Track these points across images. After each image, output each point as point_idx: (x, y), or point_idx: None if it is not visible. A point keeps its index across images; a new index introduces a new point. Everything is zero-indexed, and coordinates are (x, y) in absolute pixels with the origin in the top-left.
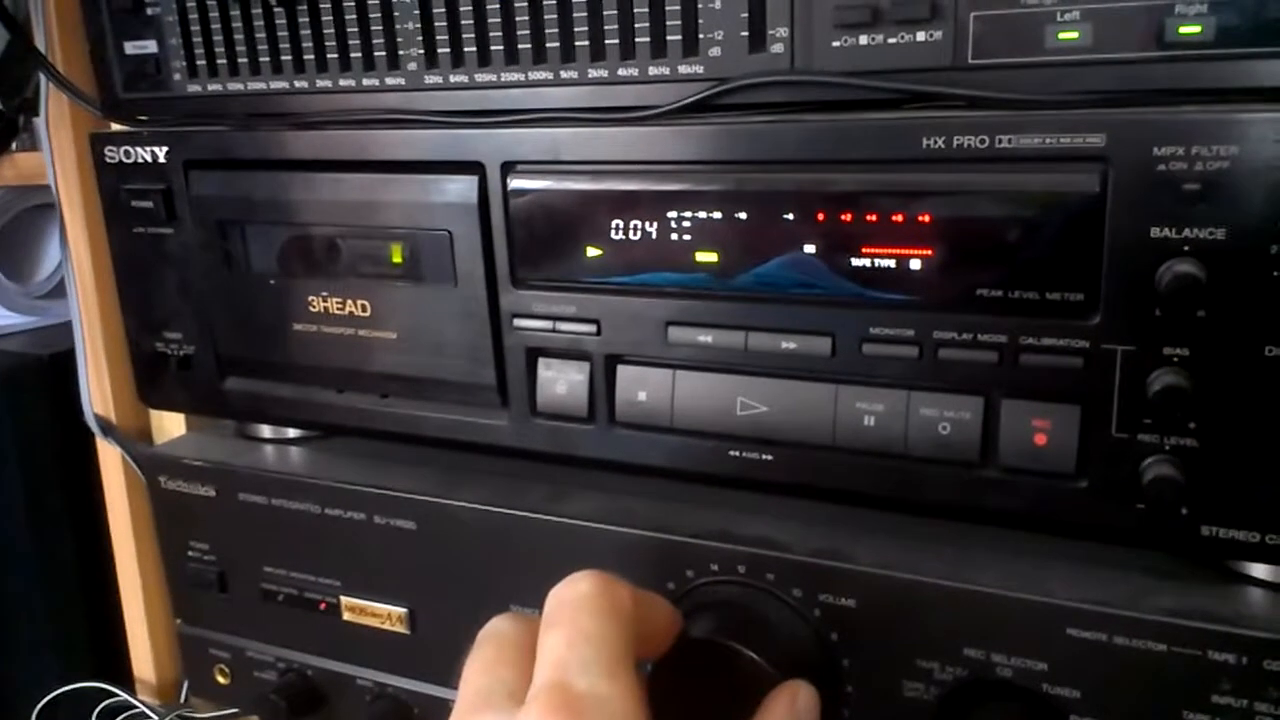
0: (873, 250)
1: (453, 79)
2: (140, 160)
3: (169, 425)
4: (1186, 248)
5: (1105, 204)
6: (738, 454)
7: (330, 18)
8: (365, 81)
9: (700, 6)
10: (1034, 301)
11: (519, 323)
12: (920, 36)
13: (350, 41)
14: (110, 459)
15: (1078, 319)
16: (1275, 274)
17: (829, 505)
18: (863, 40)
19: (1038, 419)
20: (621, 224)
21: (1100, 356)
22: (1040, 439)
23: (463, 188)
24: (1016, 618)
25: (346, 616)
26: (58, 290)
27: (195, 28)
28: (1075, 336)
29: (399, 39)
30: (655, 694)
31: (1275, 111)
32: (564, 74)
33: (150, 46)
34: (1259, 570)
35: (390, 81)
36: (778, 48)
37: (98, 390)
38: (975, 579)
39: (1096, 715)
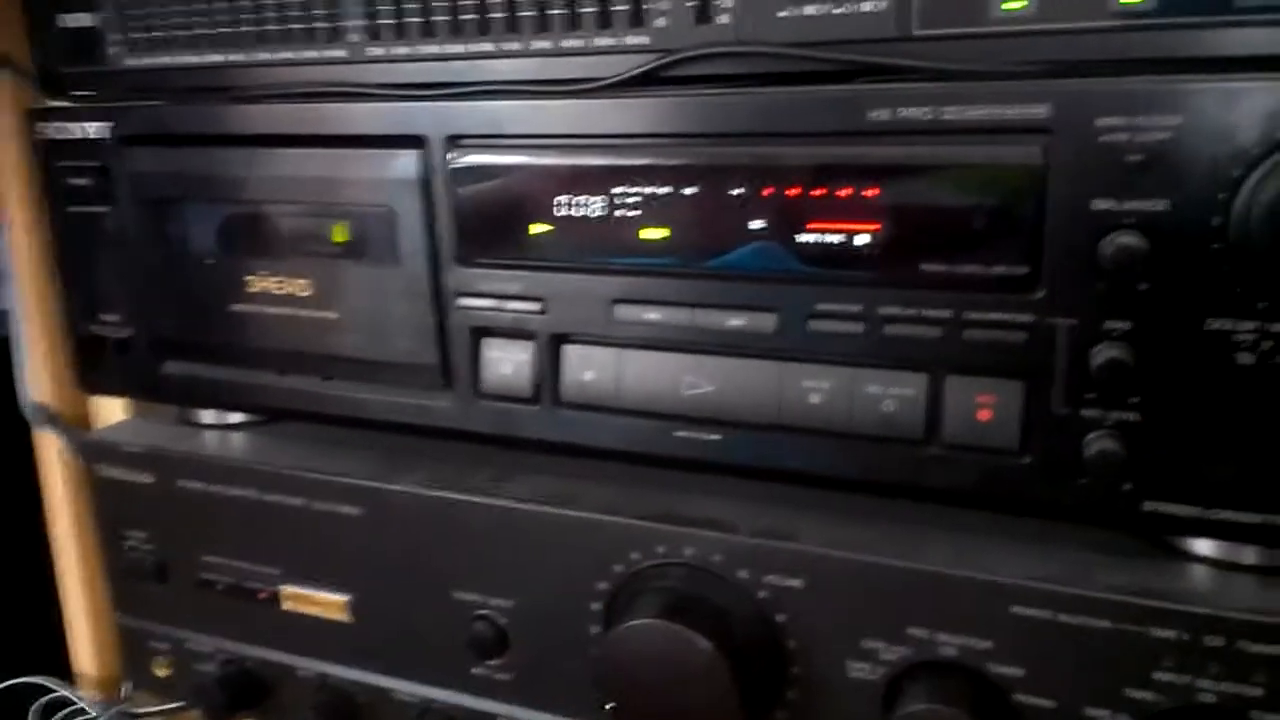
0: (819, 225)
1: (395, 51)
2: (76, 137)
3: (111, 413)
4: (1129, 220)
5: (1048, 176)
6: (684, 434)
7: None
8: (305, 54)
9: None
10: (978, 276)
11: (463, 301)
12: (866, 7)
13: (290, 13)
14: (50, 448)
15: (1021, 293)
16: (1217, 246)
17: (776, 485)
18: (808, 10)
19: (982, 395)
20: (567, 200)
21: (1043, 330)
22: (984, 415)
23: (405, 163)
24: (961, 596)
25: (286, 605)
26: None
27: None
28: (1018, 311)
29: (339, 9)
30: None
31: (1218, 81)
32: (507, 45)
33: (87, 19)
34: (1201, 546)
35: (331, 54)
36: (724, 19)
37: (37, 377)
38: (921, 557)
39: (1039, 694)
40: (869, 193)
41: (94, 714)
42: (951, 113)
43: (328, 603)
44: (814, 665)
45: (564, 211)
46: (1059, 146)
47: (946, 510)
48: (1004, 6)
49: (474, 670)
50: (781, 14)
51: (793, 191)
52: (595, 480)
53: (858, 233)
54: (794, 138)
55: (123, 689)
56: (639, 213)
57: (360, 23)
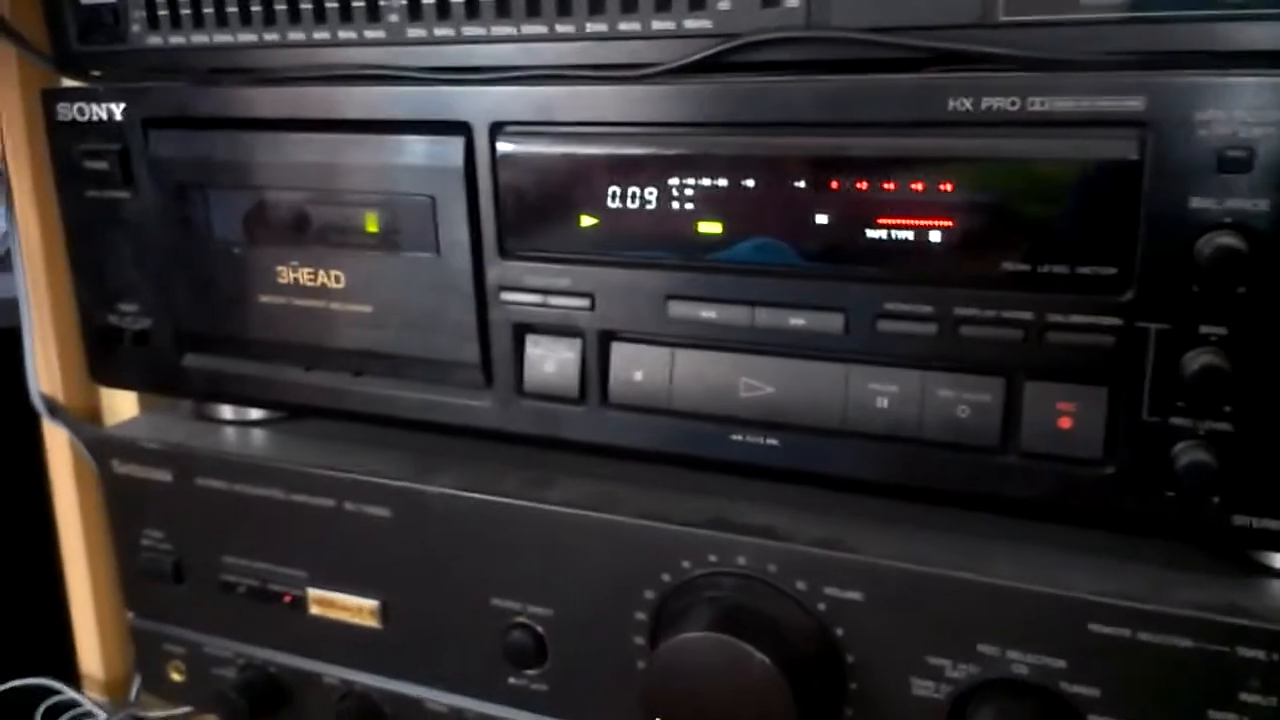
0: (890, 221)
1: (438, 33)
2: (95, 118)
3: (121, 406)
4: (1228, 219)
5: (1143, 172)
6: (741, 438)
7: None
8: (342, 34)
9: None
10: (1063, 276)
11: (506, 296)
12: None
13: None
14: (58, 442)
15: (1109, 295)
16: None
17: (836, 493)
18: None
19: (1063, 401)
20: (619, 191)
21: (1132, 335)
22: (1065, 422)
23: (447, 150)
24: (1034, 612)
25: (313, 610)
26: (3, 263)
27: None
28: (1106, 313)
29: None
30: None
31: None
32: (559, 28)
33: None
34: None
35: (369, 35)
36: (792, 1)
37: (45, 369)
38: (990, 570)
39: (1117, 715)
40: (945, 186)
41: (102, 717)
42: (1039, 104)
43: (357, 608)
44: (875, 682)
45: (616, 203)
46: (1155, 141)
47: (1011, 521)
48: None
49: (510, 680)
50: None
51: (862, 185)
52: (642, 484)
53: (932, 229)
54: (866, 128)
55: (131, 691)
56: (696, 205)
57: (400, 2)
